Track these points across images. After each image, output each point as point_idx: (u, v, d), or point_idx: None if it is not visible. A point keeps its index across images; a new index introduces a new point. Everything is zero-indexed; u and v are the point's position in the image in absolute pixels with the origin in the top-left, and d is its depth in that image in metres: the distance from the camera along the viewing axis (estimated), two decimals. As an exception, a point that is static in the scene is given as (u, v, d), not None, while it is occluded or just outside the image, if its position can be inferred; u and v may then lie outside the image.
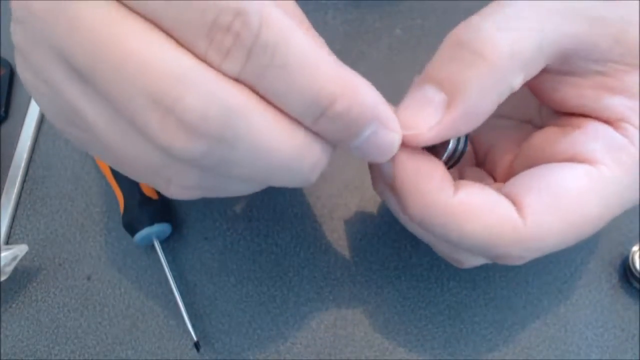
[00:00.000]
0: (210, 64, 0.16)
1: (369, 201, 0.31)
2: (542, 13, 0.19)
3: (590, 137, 0.20)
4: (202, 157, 0.16)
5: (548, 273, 0.28)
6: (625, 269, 0.28)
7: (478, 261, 0.23)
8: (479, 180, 0.23)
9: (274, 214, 0.30)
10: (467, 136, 0.21)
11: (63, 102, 0.19)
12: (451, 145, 0.21)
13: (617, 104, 0.20)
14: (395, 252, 0.29)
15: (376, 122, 0.18)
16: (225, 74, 0.16)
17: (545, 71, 0.20)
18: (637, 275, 0.27)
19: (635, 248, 0.27)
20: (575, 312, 0.27)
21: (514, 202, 0.20)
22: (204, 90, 0.16)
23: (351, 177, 0.31)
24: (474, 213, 0.19)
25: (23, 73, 0.19)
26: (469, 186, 0.20)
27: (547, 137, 0.22)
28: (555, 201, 0.19)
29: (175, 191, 0.20)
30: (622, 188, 0.20)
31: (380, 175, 0.22)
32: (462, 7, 0.35)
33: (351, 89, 0.17)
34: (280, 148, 0.17)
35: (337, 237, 0.30)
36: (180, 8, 0.16)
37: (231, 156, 0.17)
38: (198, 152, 0.16)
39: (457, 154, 0.21)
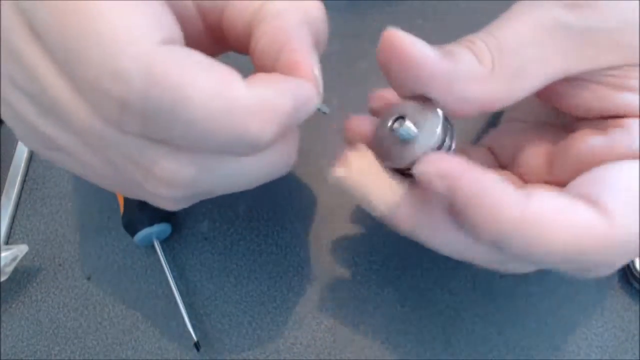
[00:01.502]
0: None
1: (369, 201, 0.31)
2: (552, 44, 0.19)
3: (636, 132, 0.20)
4: (142, 124, 0.16)
5: (548, 273, 0.28)
6: (625, 269, 0.28)
7: (532, 267, 0.22)
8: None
9: (274, 214, 0.30)
10: (453, 131, 0.21)
11: (34, 131, 0.19)
12: (438, 141, 0.20)
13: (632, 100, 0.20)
14: (395, 252, 0.29)
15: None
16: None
17: (559, 82, 0.20)
18: (637, 275, 0.27)
19: (635, 248, 0.27)
20: (575, 312, 0.27)
21: (592, 205, 0.18)
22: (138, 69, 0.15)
23: (351, 177, 0.31)
24: (556, 222, 0.18)
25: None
26: (540, 192, 0.19)
27: (589, 141, 0.21)
28: (636, 199, 0.18)
29: (170, 205, 0.20)
30: None
31: (428, 207, 0.20)
32: (462, 8, 0.35)
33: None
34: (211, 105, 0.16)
35: (337, 237, 0.30)
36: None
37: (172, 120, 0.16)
38: (136, 124, 0.16)
39: (445, 150, 0.20)
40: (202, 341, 0.27)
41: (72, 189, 0.32)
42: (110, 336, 0.28)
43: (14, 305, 0.29)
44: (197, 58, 0.17)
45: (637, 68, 0.20)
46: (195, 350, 0.27)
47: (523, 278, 0.28)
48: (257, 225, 0.30)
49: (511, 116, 0.21)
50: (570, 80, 0.21)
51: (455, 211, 0.19)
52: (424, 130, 0.20)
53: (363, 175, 0.21)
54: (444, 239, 0.21)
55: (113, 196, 0.31)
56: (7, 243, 0.31)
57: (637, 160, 0.19)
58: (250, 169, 0.20)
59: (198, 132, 0.16)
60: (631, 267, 0.27)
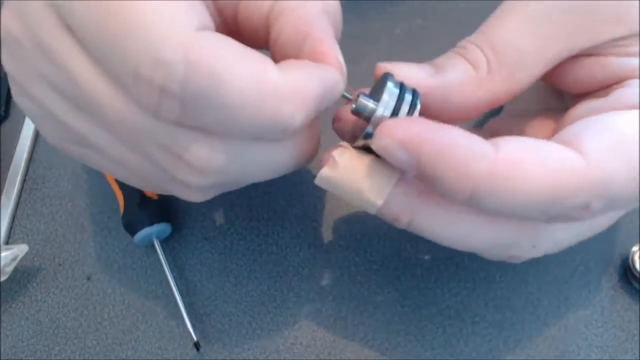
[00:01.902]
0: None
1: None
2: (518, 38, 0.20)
3: (631, 89, 0.20)
4: (181, 110, 0.16)
5: (548, 273, 0.28)
6: (625, 269, 0.28)
7: (539, 251, 0.21)
8: None
9: (274, 214, 0.30)
10: (416, 98, 0.19)
11: (64, 127, 0.19)
12: (387, 107, 0.19)
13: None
14: (395, 252, 0.29)
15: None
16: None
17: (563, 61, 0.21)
18: (637, 275, 0.27)
19: (635, 248, 0.27)
20: (575, 312, 0.27)
21: (572, 147, 0.18)
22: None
23: (351, 177, 0.31)
24: (528, 165, 0.17)
25: (19, 99, 0.20)
26: (510, 140, 0.18)
27: (589, 104, 0.21)
28: (618, 143, 0.18)
29: (196, 195, 0.20)
30: None
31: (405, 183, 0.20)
32: (461, 8, 0.35)
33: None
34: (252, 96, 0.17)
35: (337, 237, 0.30)
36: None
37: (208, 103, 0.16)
38: (175, 109, 0.16)
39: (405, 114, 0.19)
40: (202, 341, 0.27)
41: (72, 189, 0.32)
42: (110, 336, 0.28)
43: (14, 305, 0.29)
44: (232, 44, 0.17)
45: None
46: (195, 350, 0.27)
47: (523, 278, 0.28)
48: (257, 225, 0.30)
49: (514, 107, 0.22)
50: (572, 58, 0.21)
51: (425, 176, 0.18)
52: (378, 102, 0.19)
53: (350, 171, 0.20)
54: (443, 222, 0.20)
55: (113, 196, 0.31)
56: (7, 243, 0.31)
57: (635, 110, 0.19)
58: (278, 156, 0.20)
59: (232, 117, 0.17)
60: (631, 267, 0.27)
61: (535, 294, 0.28)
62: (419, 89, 0.20)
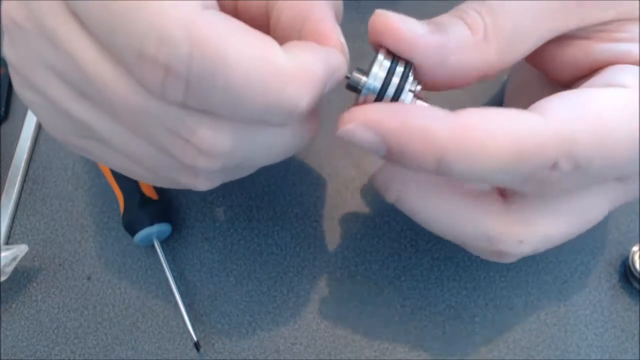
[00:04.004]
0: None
1: (369, 201, 0.31)
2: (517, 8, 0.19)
3: (616, 70, 0.20)
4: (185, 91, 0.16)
5: (548, 273, 0.28)
6: (625, 269, 0.28)
7: (526, 247, 0.21)
8: None
9: (274, 214, 0.30)
10: (408, 72, 0.20)
11: (68, 118, 0.19)
12: (376, 80, 0.19)
13: (628, 48, 0.20)
14: (395, 252, 0.29)
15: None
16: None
17: (547, 43, 0.20)
18: (637, 275, 0.27)
19: (635, 248, 0.27)
20: (575, 312, 0.27)
21: (534, 112, 0.18)
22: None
23: (351, 177, 0.31)
24: (489, 125, 0.18)
25: (21, 91, 0.19)
26: (471, 108, 0.19)
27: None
28: (581, 105, 0.18)
29: (204, 182, 0.20)
30: None
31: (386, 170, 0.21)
32: (462, 7, 0.35)
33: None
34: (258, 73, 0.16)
35: (337, 237, 0.30)
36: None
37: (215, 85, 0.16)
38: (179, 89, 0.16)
39: (394, 91, 0.19)
40: (202, 341, 0.27)
41: (72, 189, 0.32)
42: (110, 336, 0.28)
43: (14, 305, 0.29)
44: (237, 23, 0.17)
45: (628, 22, 0.20)
46: (195, 350, 0.27)
47: (523, 278, 0.28)
48: (257, 225, 0.30)
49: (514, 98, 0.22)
50: (556, 40, 0.21)
51: (392, 152, 0.19)
52: (369, 77, 0.19)
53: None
54: (428, 200, 0.21)
55: (113, 196, 0.31)
56: (7, 243, 0.31)
57: (613, 87, 0.19)
58: (284, 138, 0.20)
59: (237, 98, 0.16)
60: (631, 267, 0.27)
61: (535, 294, 0.28)
62: (416, 46, 0.19)
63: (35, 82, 0.18)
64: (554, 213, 0.21)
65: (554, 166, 0.18)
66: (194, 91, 0.16)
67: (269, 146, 0.20)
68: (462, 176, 0.18)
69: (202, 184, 0.20)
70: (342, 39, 0.20)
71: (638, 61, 0.20)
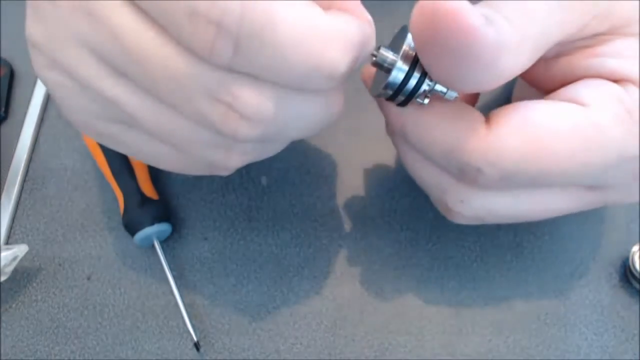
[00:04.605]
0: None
1: (369, 201, 0.31)
2: (544, 9, 0.19)
3: (581, 84, 0.20)
4: (233, 55, 0.16)
5: (548, 273, 0.28)
6: (625, 269, 0.28)
7: (466, 208, 0.22)
8: None
9: (274, 214, 0.30)
10: (423, 77, 0.20)
11: (98, 97, 0.18)
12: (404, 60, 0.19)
13: (611, 64, 0.20)
14: (395, 252, 0.29)
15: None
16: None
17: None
18: (637, 275, 0.27)
19: (635, 248, 0.27)
20: (575, 312, 0.27)
21: (486, 119, 0.20)
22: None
23: (351, 177, 0.31)
24: (443, 117, 0.20)
25: (45, 73, 0.19)
26: (443, 102, 0.20)
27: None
28: (522, 122, 0.19)
29: (236, 158, 0.20)
30: (607, 137, 0.19)
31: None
32: (462, 7, 0.35)
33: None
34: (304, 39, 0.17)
35: (337, 237, 0.30)
36: None
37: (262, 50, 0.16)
38: (227, 51, 0.16)
39: (405, 89, 0.20)
40: (202, 341, 0.27)
41: (72, 189, 0.32)
42: (110, 336, 0.28)
43: (14, 305, 0.29)
44: None
45: (614, 38, 0.20)
46: (195, 350, 0.27)
47: (523, 278, 0.28)
48: (257, 225, 0.30)
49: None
50: (547, 57, 0.21)
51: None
52: (398, 54, 0.19)
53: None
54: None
55: (113, 196, 0.31)
56: (7, 243, 0.31)
57: (565, 102, 0.20)
58: (319, 108, 0.20)
59: (283, 58, 0.17)
60: (631, 267, 0.27)
61: (535, 294, 0.28)
62: (474, 40, 0.18)
63: (65, 61, 0.18)
64: (503, 190, 0.21)
65: (479, 170, 0.20)
66: (242, 51, 0.16)
67: (305, 115, 0.20)
68: (416, 144, 0.21)
69: (234, 161, 0.20)
70: (369, 16, 0.20)
71: (614, 77, 0.20)
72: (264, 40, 0.16)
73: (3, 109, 0.35)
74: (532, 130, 0.19)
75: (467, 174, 0.20)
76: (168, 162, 0.21)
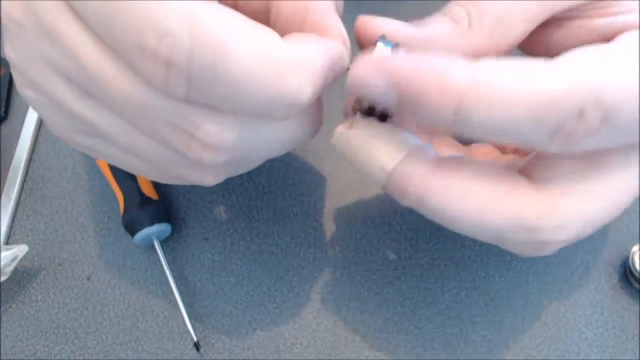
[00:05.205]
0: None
1: (369, 201, 0.31)
2: None
3: (635, 34, 0.19)
4: (187, 87, 0.16)
5: (548, 273, 0.28)
6: (625, 269, 0.28)
7: (562, 235, 0.20)
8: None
9: (274, 214, 0.30)
10: None
11: (71, 116, 0.19)
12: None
13: (633, 18, 0.20)
14: (395, 252, 0.29)
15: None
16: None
17: (545, 27, 0.21)
18: (637, 275, 0.27)
19: (635, 248, 0.27)
20: (575, 312, 0.27)
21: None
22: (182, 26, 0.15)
23: (351, 177, 0.31)
24: (510, 70, 0.17)
25: (24, 90, 0.19)
26: (488, 58, 0.17)
27: None
28: (607, 57, 0.18)
29: (210, 177, 0.20)
30: None
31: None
32: (462, 7, 0.35)
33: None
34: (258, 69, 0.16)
35: (337, 237, 0.30)
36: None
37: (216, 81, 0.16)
38: (181, 86, 0.16)
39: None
40: (202, 341, 0.27)
41: (72, 189, 0.32)
42: (110, 336, 0.28)
43: (14, 305, 0.29)
44: (236, 15, 0.17)
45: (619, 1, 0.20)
46: (195, 350, 0.27)
47: (523, 278, 0.28)
48: (257, 225, 0.30)
49: None
50: (554, 24, 0.21)
51: (406, 101, 0.17)
52: None
53: (366, 132, 0.20)
54: (457, 194, 0.19)
55: (113, 196, 0.31)
56: (7, 243, 0.31)
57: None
58: (288, 131, 0.20)
59: (239, 90, 0.16)
60: (631, 267, 0.27)
61: (535, 294, 0.28)
62: (401, 42, 0.20)
63: (37, 80, 0.18)
64: (587, 194, 0.19)
65: (581, 115, 0.16)
66: (196, 85, 0.16)
67: (274, 139, 0.19)
68: (482, 127, 0.17)
69: (209, 179, 0.20)
70: (344, 31, 0.20)
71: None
72: (217, 74, 0.16)
73: (3, 109, 0.35)
74: (622, 66, 0.17)
75: (564, 131, 0.17)
76: (149, 174, 0.21)
